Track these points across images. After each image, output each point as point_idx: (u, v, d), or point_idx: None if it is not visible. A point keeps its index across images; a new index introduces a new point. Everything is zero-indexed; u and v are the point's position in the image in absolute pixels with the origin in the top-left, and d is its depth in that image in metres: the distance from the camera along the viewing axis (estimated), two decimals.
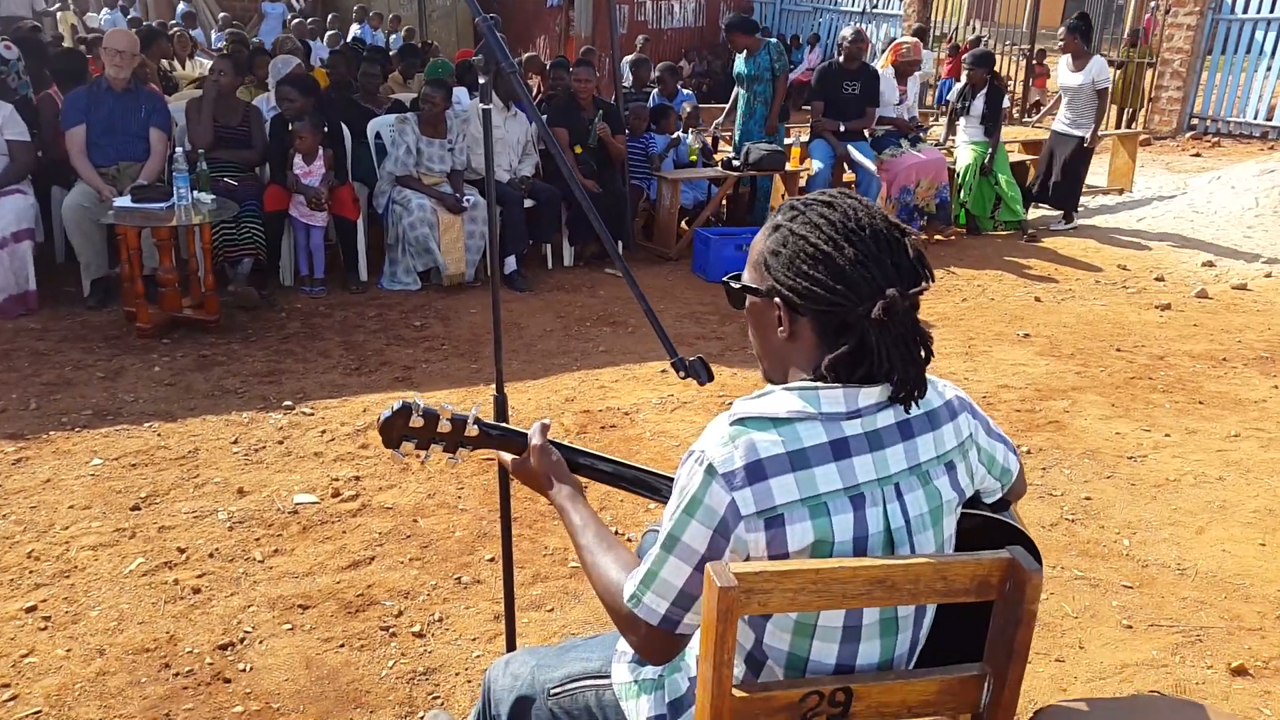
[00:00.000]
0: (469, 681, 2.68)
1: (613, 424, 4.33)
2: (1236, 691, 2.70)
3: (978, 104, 7.83)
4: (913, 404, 1.38)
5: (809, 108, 7.80)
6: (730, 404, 1.39)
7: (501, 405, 2.16)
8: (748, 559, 1.32)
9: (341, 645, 2.81)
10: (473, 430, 1.68)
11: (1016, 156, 8.74)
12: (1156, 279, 7.01)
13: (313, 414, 4.31)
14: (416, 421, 1.64)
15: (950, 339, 5.59)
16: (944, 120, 8.72)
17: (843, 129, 7.62)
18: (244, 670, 2.69)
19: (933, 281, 1.37)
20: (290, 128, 5.86)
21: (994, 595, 1.37)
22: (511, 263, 6.37)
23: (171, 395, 4.43)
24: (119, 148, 5.64)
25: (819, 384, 1.35)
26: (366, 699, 2.60)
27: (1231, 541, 3.47)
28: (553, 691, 1.70)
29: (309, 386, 4.61)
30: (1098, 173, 10.48)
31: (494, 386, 2.14)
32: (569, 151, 6.74)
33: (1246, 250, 7.70)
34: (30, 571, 3.08)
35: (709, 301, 6.20)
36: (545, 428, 1.69)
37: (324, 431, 4.14)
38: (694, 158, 7.46)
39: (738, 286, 1.48)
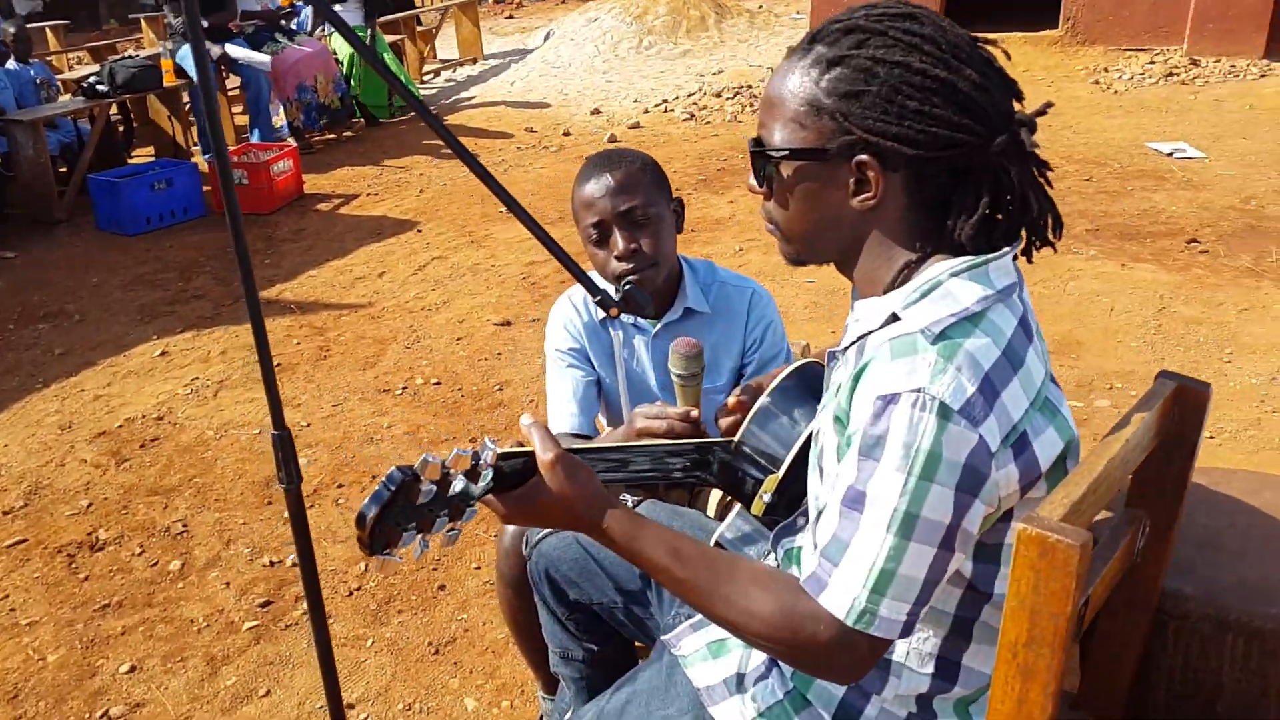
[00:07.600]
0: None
1: (154, 437, 3.33)
2: None
3: None
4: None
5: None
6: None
7: (286, 443, 1.44)
8: (998, 508, 1.02)
9: None
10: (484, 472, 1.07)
11: (391, 37, 8.41)
12: (565, 134, 7.35)
13: None
14: (427, 482, 1.02)
15: (445, 230, 5.29)
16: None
17: (205, 25, 6.58)
18: None
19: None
20: None
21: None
22: None
23: None
24: None
25: (986, 256, 1.05)
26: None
27: None
28: None
29: None
30: (446, 46, 10.64)
31: None
32: None
33: (615, 93, 8.44)
34: None
35: (151, 260, 5.05)
36: (545, 431, 1.12)
37: None
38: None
39: (786, 153, 1.06)
